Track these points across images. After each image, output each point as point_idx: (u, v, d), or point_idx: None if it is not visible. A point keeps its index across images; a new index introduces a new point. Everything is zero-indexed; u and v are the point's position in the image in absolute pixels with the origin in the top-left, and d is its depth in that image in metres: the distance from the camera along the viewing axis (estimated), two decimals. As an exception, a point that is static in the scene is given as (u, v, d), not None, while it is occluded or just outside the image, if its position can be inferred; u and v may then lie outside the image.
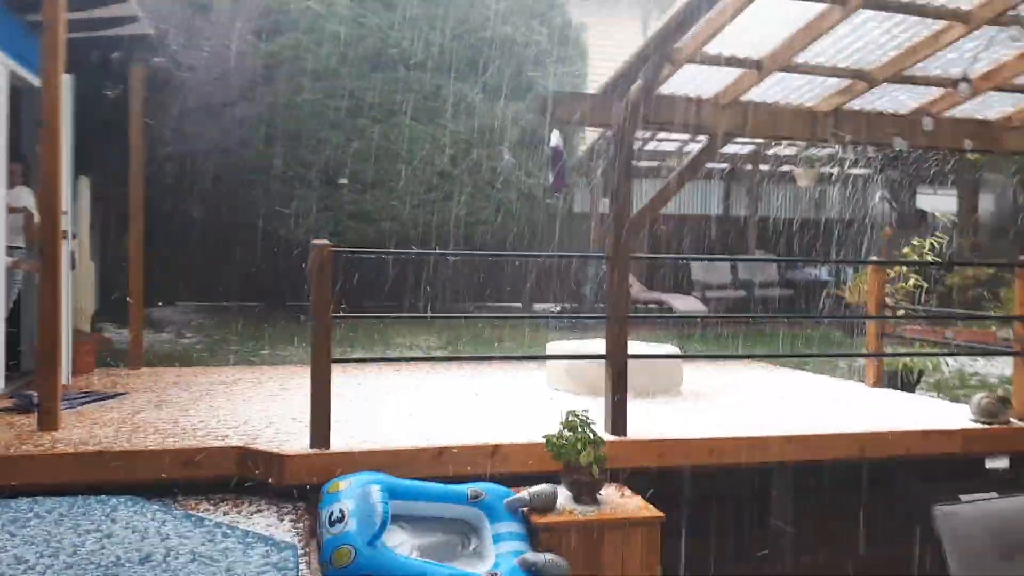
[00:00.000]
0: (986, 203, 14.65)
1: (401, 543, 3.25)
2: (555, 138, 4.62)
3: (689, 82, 4.56)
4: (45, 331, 4.23)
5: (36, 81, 5.74)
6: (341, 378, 5.94)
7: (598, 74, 11.59)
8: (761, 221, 13.76)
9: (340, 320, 9.54)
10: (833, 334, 10.73)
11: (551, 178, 4.66)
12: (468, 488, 3.55)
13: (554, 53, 11.64)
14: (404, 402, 5.25)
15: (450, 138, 10.86)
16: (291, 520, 3.49)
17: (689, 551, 4.37)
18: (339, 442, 3.93)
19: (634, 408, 4.53)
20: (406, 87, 10.68)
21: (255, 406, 4.93)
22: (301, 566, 2.91)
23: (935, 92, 4.90)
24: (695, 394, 5.83)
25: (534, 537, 3.43)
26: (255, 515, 3.51)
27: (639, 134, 11.44)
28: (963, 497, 3.11)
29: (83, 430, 4.13)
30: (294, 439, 4.00)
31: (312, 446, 3.85)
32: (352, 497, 3.20)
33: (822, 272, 13.12)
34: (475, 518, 3.50)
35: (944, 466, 4.91)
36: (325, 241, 3.84)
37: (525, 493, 3.54)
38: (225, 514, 3.50)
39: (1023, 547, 3.01)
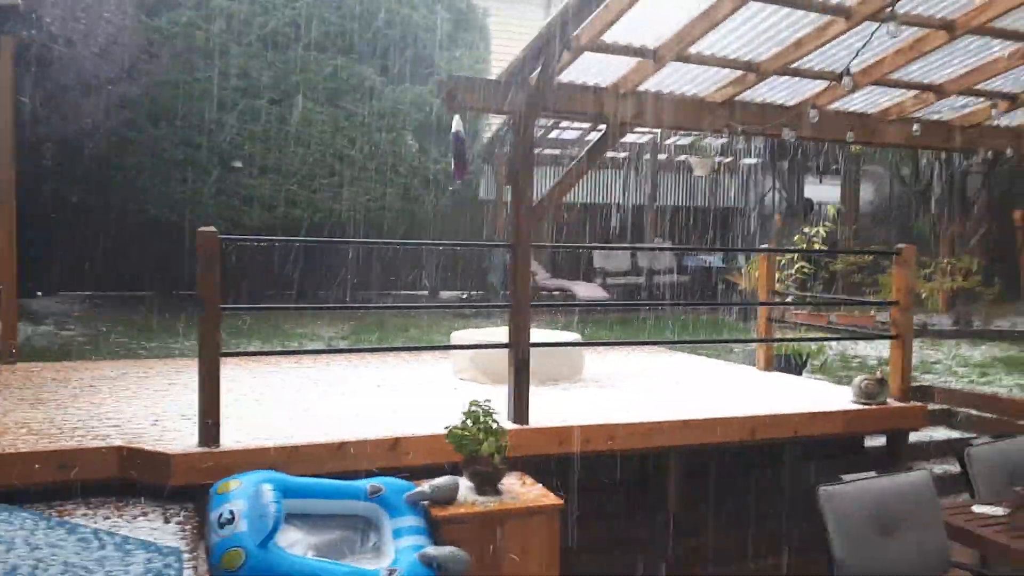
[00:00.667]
0: (867, 193, 15.54)
1: (296, 542, 3.14)
2: (456, 123, 4.56)
3: (588, 70, 4.59)
4: None
5: None
6: (236, 372, 5.71)
7: (501, 60, 11.56)
8: (659, 209, 14.12)
9: (238, 311, 9.25)
10: (727, 319, 11.14)
11: (453, 164, 4.60)
12: (367, 483, 3.47)
13: (457, 37, 11.54)
14: (302, 396, 5.09)
15: (351, 121, 10.61)
16: (178, 523, 3.31)
17: (589, 536, 4.44)
18: (231, 440, 3.76)
19: (537, 396, 4.55)
20: (303, 68, 10.34)
21: (141, 403, 4.67)
22: (187, 571, 2.77)
23: (820, 85, 5.11)
24: (596, 380, 5.92)
25: (435, 531, 3.39)
26: (138, 519, 3.32)
27: (542, 122, 11.51)
28: (845, 477, 3.26)
29: (-57, 434, 3.80)
30: (182, 437, 3.81)
31: (201, 444, 3.67)
32: (243, 497, 3.07)
33: (717, 259, 13.60)
34: (374, 514, 3.42)
35: (828, 446, 5.17)
36: (212, 228, 3.65)
37: (426, 486, 3.48)
38: (105, 519, 3.29)
39: (899, 523, 3.19)
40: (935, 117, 5.69)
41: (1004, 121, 5.81)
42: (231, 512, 2.99)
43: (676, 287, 13.19)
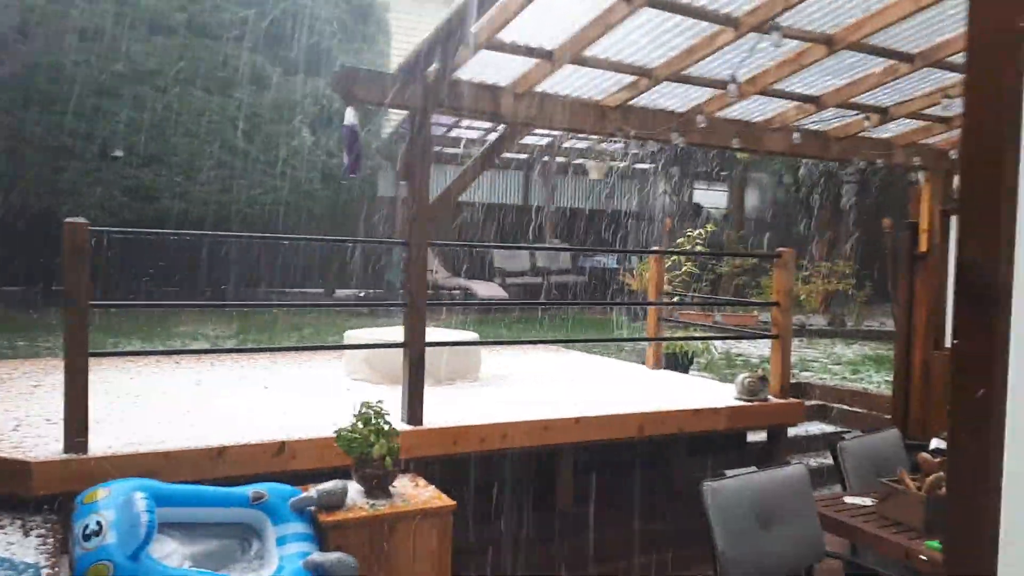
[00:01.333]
0: (752, 199, 16.27)
1: (171, 553, 2.97)
2: (350, 116, 4.44)
3: (486, 68, 4.57)
4: None
5: None
6: (111, 374, 5.39)
7: (401, 55, 11.41)
8: (557, 211, 14.31)
9: (111, 308, 8.71)
10: (620, 319, 11.40)
11: (346, 159, 4.47)
12: (249, 489, 3.32)
13: (356, 31, 11.32)
14: (183, 399, 4.84)
15: (243, 112, 10.22)
16: (39, 536, 3.07)
17: (484, 536, 4.43)
18: (101, 445, 3.53)
19: (432, 395, 4.49)
20: (192, 55, 9.90)
21: (1, 406, 4.32)
22: (46, 589, 2.57)
23: (709, 93, 5.28)
24: (493, 379, 5.91)
25: (322, 537, 3.28)
26: (-7, 533, 3.06)
27: (444, 120, 11.43)
28: (728, 472, 3.36)
29: None
30: (46, 443, 3.54)
31: (67, 451, 3.42)
32: (112, 507, 2.87)
33: (611, 260, 13.91)
34: (257, 521, 3.28)
35: (713, 441, 5.36)
36: (81, 219, 3.41)
37: (312, 491, 3.37)
38: (-46, 535, 3.02)
39: (777, 516, 3.32)
40: (814, 127, 5.99)
41: (876, 133, 6.18)
42: (98, 523, 2.79)
43: (573, 287, 13.41)
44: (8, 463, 3.31)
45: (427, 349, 4.44)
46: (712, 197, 16.23)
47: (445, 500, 3.60)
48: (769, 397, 5.36)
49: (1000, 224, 1.52)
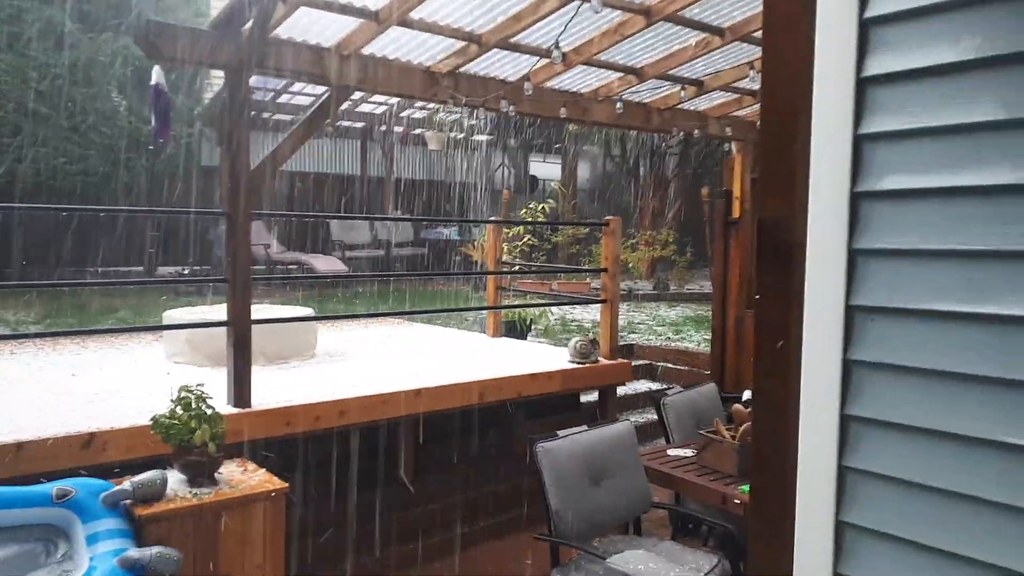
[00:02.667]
0: (584, 171, 16.82)
1: (-43, 564, 2.64)
2: (156, 75, 4.07)
3: (309, 28, 4.35)
4: None
5: None
6: None
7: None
8: (397, 182, 14.08)
9: None
10: (461, 290, 11.45)
11: (153, 121, 4.12)
12: (52, 487, 3.01)
13: (168, -14, 10.47)
14: (-29, 390, 4.32)
15: (40, 72, 9.20)
16: None
17: (318, 517, 4.31)
18: None
19: (264, 375, 4.29)
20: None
21: None
22: None
23: (536, 61, 5.33)
24: (330, 355, 5.74)
25: (140, 531, 3.04)
26: None
27: (272, 85, 10.83)
28: (560, 433, 3.45)
29: None
30: None
31: None
32: None
33: (452, 232, 13.91)
34: (63, 520, 2.98)
35: (549, 404, 5.51)
36: None
37: (127, 483, 3.11)
38: None
39: (607, 471, 3.45)
40: (636, 99, 6.23)
41: (693, 105, 6.53)
42: None
43: (415, 259, 13.30)
44: None
45: (256, 327, 4.22)
46: (548, 169, 16.61)
47: (276, 483, 3.45)
48: (599, 359, 5.57)
49: (795, 185, 1.62)
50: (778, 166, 1.65)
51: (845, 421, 1.43)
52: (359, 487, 4.59)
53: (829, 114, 1.48)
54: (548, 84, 5.58)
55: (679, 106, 6.37)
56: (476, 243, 11.20)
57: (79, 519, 2.99)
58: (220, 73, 10.55)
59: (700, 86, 6.16)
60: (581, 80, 5.82)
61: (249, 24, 3.92)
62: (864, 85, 1.41)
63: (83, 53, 9.54)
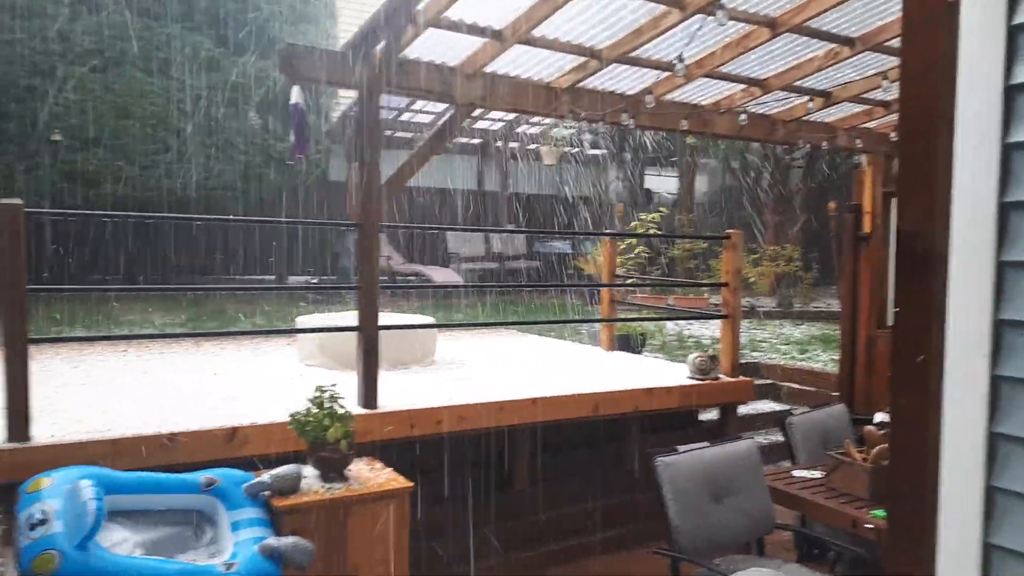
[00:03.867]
0: (702, 184, 16.51)
1: (121, 541, 2.90)
2: (295, 95, 4.36)
3: (434, 48, 4.53)
4: None
5: None
6: (54, 363, 5.24)
7: (348, 36, 11.24)
8: (511, 196, 14.32)
9: (67, 297, 8.44)
10: (575, 302, 11.49)
11: (292, 139, 4.40)
12: (201, 475, 3.26)
13: (302, 12, 11.10)
14: (129, 387, 4.72)
15: (187, 93, 9.96)
16: (-20, 529, 2.98)
17: (442, 517, 4.44)
18: (44, 434, 3.43)
19: (388, 379, 4.46)
20: (132, 35, 9.58)
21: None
22: (-11, 582, 2.49)
23: (658, 75, 5.33)
24: (448, 363, 5.91)
25: (277, 521, 3.24)
26: (-70, 527, 2.96)
27: (395, 104, 11.31)
28: (680, 448, 3.43)
29: None
30: (-14, 434, 3.43)
31: (10, 439, 3.32)
32: (57, 496, 2.79)
33: (565, 245, 13.99)
34: (209, 507, 3.22)
35: (666, 420, 5.45)
36: (17, 200, 3.28)
37: (266, 476, 3.33)
38: None
39: (729, 489, 3.40)
40: (760, 111, 6.10)
41: (820, 117, 6.32)
42: (43, 512, 2.72)
43: (528, 273, 13.45)
44: (-54, 454, 3.20)
45: (381, 333, 4.41)
46: (663, 183, 16.42)
47: (402, 482, 3.59)
48: (720, 376, 5.46)
49: (936, 195, 1.57)
50: (918, 176, 1.61)
51: (993, 439, 1.37)
52: (474, 492, 4.70)
53: (974, 123, 1.44)
54: (668, 97, 5.57)
55: (805, 118, 6.19)
56: (589, 257, 11.22)
57: (224, 507, 3.22)
58: (347, 93, 11.15)
59: (828, 97, 5.97)
60: (702, 92, 5.76)
61: (381, 45, 4.14)
62: (1013, 92, 1.37)
63: (224, 76, 10.26)
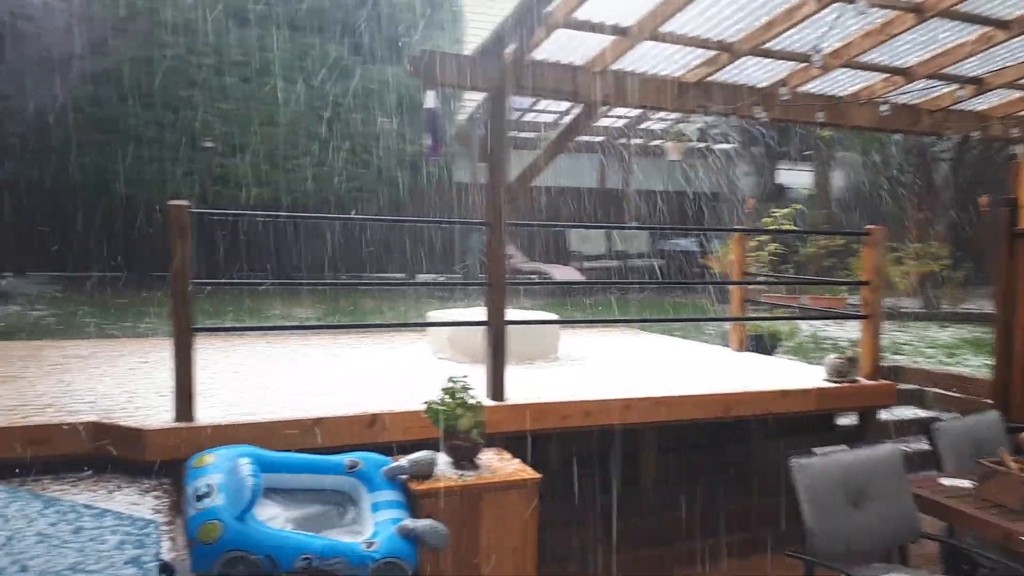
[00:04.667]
0: (838, 179, 15.74)
1: (274, 516, 3.14)
2: (430, 99, 4.53)
3: (563, 48, 4.59)
4: None
5: None
6: (210, 351, 5.68)
7: (474, 41, 11.50)
8: (635, 194, 14.18)
9: (210, 291, 9.13)
10: (701, 302, 11.26)
11: (428, 141, 4.58)
12: (344, 458, 3.47)
13: (431, 18, 11.45)
14: (277, 374, 5.07)
15: (324, 101, 10.51)
16: (154, 497, 3.30)
17: (565, 511, 4.49)
18: (205, 416, 3.74)
19: (514, 374, 4.56)
20: (275, 46, 10.21)
21: (114, 380, 4.63)
22: (165, 543, 2.76)
23: (791, 66, 5.15)
24: (571, 359, 5.96)
25: (413, 504, 3.40)
26: (115, 493, 3.30)
27: (519, 104, 11.48)
28: (816, 450, 3.32)
29: (-91, 411, 3.74)
30: (156, 413, 3.78)
31: (177, 419, 3.65)
32: (220, 471, 3.06)
33: (691, 244, 13.71)
34: (352, 488, 3.43)
35: (800, 423, 5.27)
36: (184, 202, 3.61)
37: (403, 460, 3.49)
38: (81, 493, 3.27)
39: (868, 494, 3.26)
40: (903, 100, 5.77)
41: (970, 105, 5.91)
42: (208, 485, 2.98)
43: (651, 271, 13.29)
44: (125, 431, 3.55)
45: (507, 328, 4.52)
46: (796, 178, 15.79)
47: (530, 473, 3.67)
48: (859, 379, 5.23)
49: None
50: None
51: None
52: (599, 488, 4.73)
53: None
54: (803, 88, 5.37)
55: (953, 107, 5.81)
56: (717, 255, 10.96)
57: (365, 488, 3.41)
58: (473, 95, 11.41)
59: (979, 84, 5.58)
60: (840, 83, 5.52)
61: (511, 48, 4.23)
62: None
63: (358, 82, 10.75)
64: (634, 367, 5.72)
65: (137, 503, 3.20)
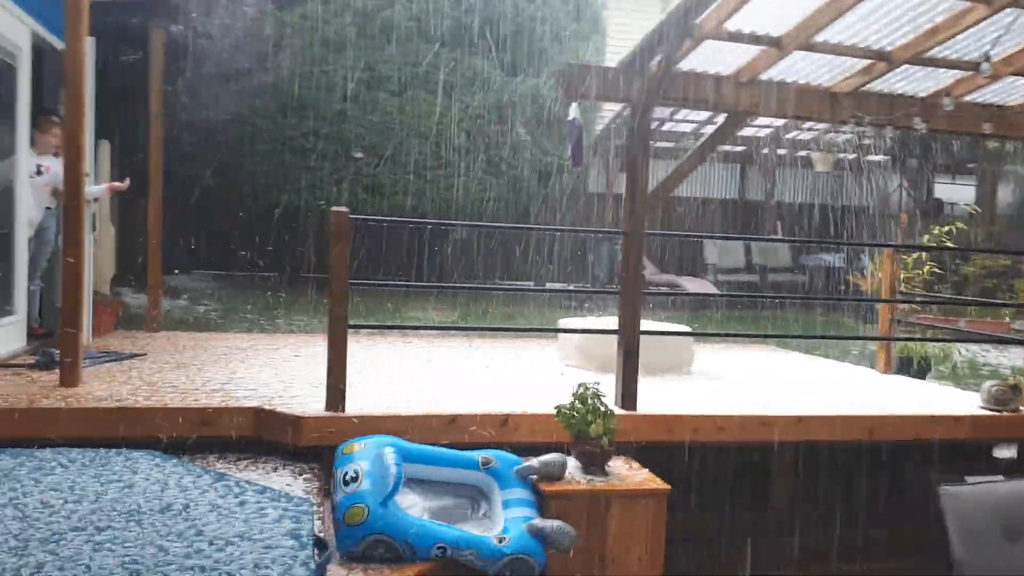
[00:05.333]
0: (1005, 194, 14.53)
1: (412, 504, 3.31)
2: (573, 111, 4.63)
3: (709, 59, 4.55)
4: (68, 291, 4.30)
5: (58, 43, 5.79)
6: (354, 347, 6.01)
7: (616, 52, 11.53)
8: (777, 206, 13.70)
9: (352, 292, 9.66)
10: (845, 321, 10.73)
11: (570, 152, 4.68)
12: (479, 455, 3.61)
13: (573, 30, 11.60)
14: (414, 372, 5.31)
15: (466, 113, 10.86)
16: (306, 479, 3.57)
17: (694, 526, 4.44)
18: (353, 407, 4.00)
19: (644, 385, 4.56)
20: (423, 60, 10.68)
21: (271, 371, 5.01)
22: (316, 522, 2.98)
23: (955, 75, 4.87)
24: (705, 373, 5.87)
25: (543, 504, 3.49)
26: (271, 474, 3.59)
27: (658, 114, 11.40)
28: (969, 479, 3.13)
29: (103, 387, 4.21)
30: (310, 403, 4.07)
31: (327, 409, 3.92)
32: (366, 458, 3.27)
33: (836, 259, 13.06)
34: (485, 484, 3.56)
35: (951, 451, 4.94)
36: (344, 208, 3.89)
37: (535, 461, 3.59)
38: (241, 471, 3.58)
39: (1026, 528, 3.04)
40: (1086, 109, 5.31)
41: None
42: (355, 471, 3.19)
43: (792, 287, 12.77)
44: (282, 417, 3.86)
45: (639, 339, 4.52)
46: (956, 192, 14.71)
47: (659, 483, 3.68)
48: (1021, 408, 4.84)
49: None
50: None
51: None
52: (730, 504, 4.63)
53: None
54: (968, 98, 5.05)
55: None
56: (865, 272, 10.40)
57: (497, 485, 3.54)
58: (611, 106, 11.44)
59: None
60: (1010, 92, 5.15)
61: (656, 60, 4.25)
62: None
63: (499, 95, 11.04)
64: (772, 385, 5.55)
65: (290, 484, 3.47)
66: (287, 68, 10.08)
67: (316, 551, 2.58)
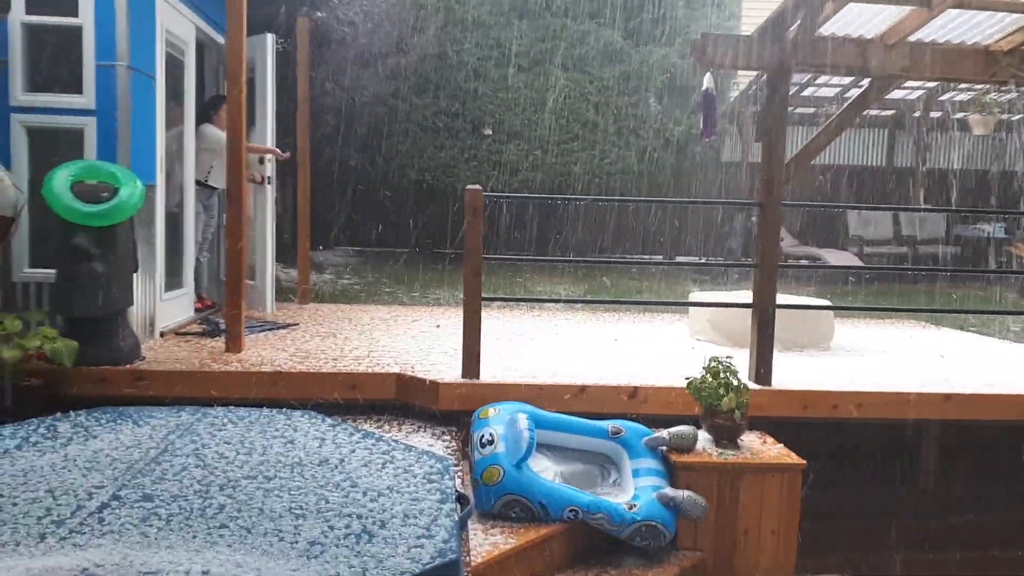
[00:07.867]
0: None
1: (545, 469, 3.45)
2: (707, 81, 4.55)
3: (852, 22, 4.35)
4: (232, 264, 4.71)
5: (218, 36, 6.28)
6: (486, 319, 6.22)
7: (750, 17, 11.09)
8: (929, 173, 12.80)
9: (491, 262, 9.91)
10: (1007, 295, 9.95)
11: (702, 123, 4.61)
12: (608, 424, 3.69)
13: (704, -3, 11.26)
14: (544, 343, 5.45)
15: (595, 86, 10.82)
16: (444, 441, 3.78)
17: (833, 503, 4.33)
18: (487, 375, 4.17)
19: (780, 360, 4.48)
20: (552, 35, 10.72)
21: (411, 340, 5.29)
22: (457, 480, 3.18)
23: None
24: (845, 349, 5.66)
25: (672, 475, 3.53)
26: (412, 435, 3.84)
27: (797, 78, 10.90)
28: None
29: (263, 353, 4.61)
30: (447, 370, 4.29)
31: (463, 376, 4.12)
32: (501, 423, 3.43)
33: (997, 229, 12.07)
34: (615, 452, 3.64)
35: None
36: (478, 186, 4.04)
37: (664, 433, 3.63)
38: (386, 432, 3.84)
39: None
40: None
41: None
42: (491, 434, 3.36)
43: (945, 259, 11.94)
44: (422, 382, 4.09)
45: (776, 312, 4.43)
46: None
47: (794, 459, 3.63)
48: None
49: None
50: None
51: None
52: (872, 482, 4.48)
53: None
54: None
55: None
56: (1028, 243, 9.59)
57: (627, 454, 3.61)
58: (746, 73, 11.04)
59: None
60: None
61: (795, 26, 4.11)
62: None
63: (629, 66, 10.90)
64: (919, 361, 5.28)
65: (431, 444, 3.69)
66: (421, 50, 10.41)
67: (459, 505, 2.76)
